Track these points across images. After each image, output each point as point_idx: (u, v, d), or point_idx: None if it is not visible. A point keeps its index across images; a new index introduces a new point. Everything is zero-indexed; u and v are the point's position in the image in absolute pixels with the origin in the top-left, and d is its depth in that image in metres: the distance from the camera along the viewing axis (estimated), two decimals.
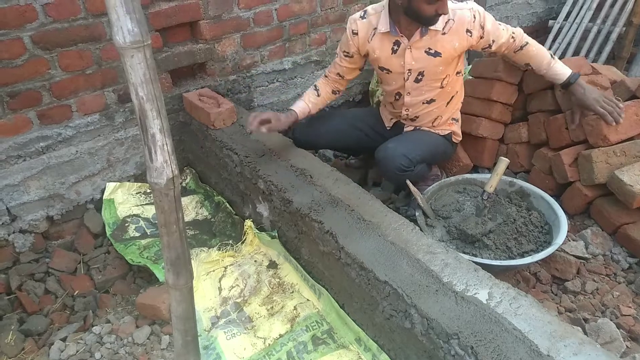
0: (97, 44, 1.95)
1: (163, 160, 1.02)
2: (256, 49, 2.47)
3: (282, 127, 1.94)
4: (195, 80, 2.35)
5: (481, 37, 1.90)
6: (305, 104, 2.04)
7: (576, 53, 3.83)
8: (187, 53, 2.22)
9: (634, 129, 2.04)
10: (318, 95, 2.08)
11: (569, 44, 3.87)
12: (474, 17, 1.86)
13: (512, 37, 1.95)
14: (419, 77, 1.96)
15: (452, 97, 2.08)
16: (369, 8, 1.97)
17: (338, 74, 2.09)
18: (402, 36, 1.89)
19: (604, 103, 1.94)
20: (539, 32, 4.25)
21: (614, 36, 3.69)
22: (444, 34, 1.87)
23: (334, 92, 2.12)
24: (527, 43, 1.98)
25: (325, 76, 2.12)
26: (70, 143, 2.00)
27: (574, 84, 1.99)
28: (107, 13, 0.89)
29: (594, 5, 3.81)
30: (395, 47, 1.92)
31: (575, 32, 3.86)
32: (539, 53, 2.00)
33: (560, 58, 3.78)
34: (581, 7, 3.89)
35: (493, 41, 1.93)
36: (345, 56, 2.04)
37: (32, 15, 1.77)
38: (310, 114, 2.07)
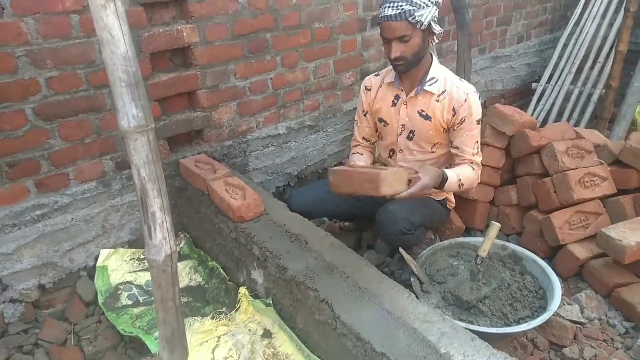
0: (97, 114, 2.00)
1: (162, 237, 1.04)
2: (252, 115, 2.55)
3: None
4: (192, 146, 2.40)
5: (453, 127, 1.93)
6: (364, 163, 2.11)
7: (560, 114, 3.98)
8: (185, 121, 2.29)
9: None
10: (362, 155, 2.18)
11: (552, 105, 4.03)
12: (464, 101, 1.88)
13: (470, 165, 1.94)
14: (411, 135, 2.02)
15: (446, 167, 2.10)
16: (383, 70, 2.11)
17: (364, 137, 2.19)
18: (402, 90, 1.98)
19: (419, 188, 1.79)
20: (523, 94, 4.44)
21: (594, 98, 3.86)
22: (437, 100, 1.92)
23: (371, 152, 2.23)
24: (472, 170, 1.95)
25: (356, 146, 2.22)
26: (66, 210, 2.01)
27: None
28: (109, 86, 0.93)
29: (574, 69, 4.01)
30: (395, 100, 2.01)
31: (558, 94, 4.03)
32: (467, 175, 1.93)
33: (544, 119, 3.97)
34: (562, 70, 4.08)
35: (456, 146, 1.95)
36: (365, 115, 2.15)
37: (35, 88, 1.83)
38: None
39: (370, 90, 2.08)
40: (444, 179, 1.84)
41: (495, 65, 4.04)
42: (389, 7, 1.74)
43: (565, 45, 4.13)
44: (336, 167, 1.81)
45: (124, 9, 0.87)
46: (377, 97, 2.06)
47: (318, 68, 2.75)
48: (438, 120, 1.94)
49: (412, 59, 1.83)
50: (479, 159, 1.96)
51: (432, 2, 1.75)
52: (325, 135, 2.96)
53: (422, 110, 1.95)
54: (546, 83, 4.12)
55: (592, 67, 3.95)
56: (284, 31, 2.51)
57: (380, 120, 2.08)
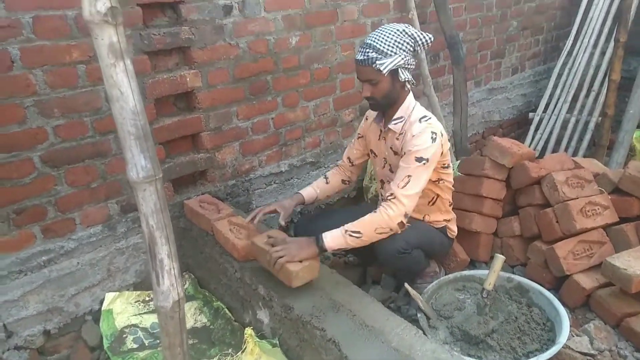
0: (103, 159, 2.04)
1: (170, 284, 1.06)
2: (254, 154, 2.59)
3: (288, 211, 2.08)
4: (196, 186, 2.44)
5: (402, 154, 1.92)
6: (312, 189, 2.20)
7: (558, 142, 4.03)
8: (189, 162, 2.33)
9: None
10: (327, 183, 2.24)
11: (550, 133, 4.08)
12: (411, 137, 1.87)
13: (391, 199, 1.82)
14: (391, 168, 2.10)
15: (434, 198, 2.12)
16: None
17: (348, 157, 2.27)
18: (382, 125, 2.07)
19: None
20: (520, 124, 4.50)
21: (591, 125, 3.90)
22: (397, 139, 2.00)
23: (344, 181, 2.28)
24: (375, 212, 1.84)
25: (337, 166, 2.30)
26: (72, 255, 2.03)
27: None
28: (115, 132, 0.97)
29: (569, 98, 4.07)
30: (380, 134, 2.11)
31: (555, 123, 4.08)
32: (364, 221, 1.83)
33: (543, 148, 4.01)
34: (558, 99, 4.15)
35: (399, 162, 1.91)
36: (358, 137, 2.24)
37: (42, 137, 1.87)
38: (317, 199, 2.21)
39: (367, 119, 2.20)
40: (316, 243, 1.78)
41: (492, 97, 4.11)
42: (359, 51, 1.87)
43: (559, 75, 4.21)
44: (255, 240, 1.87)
45: (132, 67, 0.92)
46: (370, 129, 2.17)
47: (318, 106, 2.81)
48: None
49: (381, 100, 1.93)
50: (402, 193, 1.80)
51: (402, 50, 1.83)
52: (327, 171, 2.99)
53: (392, 146, 2.05)
54: (543, 112, 4.18)
55: (587, 96, 4.01)
56: (284, 73, 2.58)
57: (371, 151, 2.19)
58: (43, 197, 1.93)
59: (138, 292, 2.25)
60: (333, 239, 1.81)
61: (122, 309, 2.18)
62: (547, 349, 1.74)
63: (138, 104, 0.93)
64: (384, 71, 1.82)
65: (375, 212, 1.84)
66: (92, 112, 1.97)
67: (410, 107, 1.99)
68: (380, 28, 1.89)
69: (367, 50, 1.83)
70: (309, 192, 2.19)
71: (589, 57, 4.09)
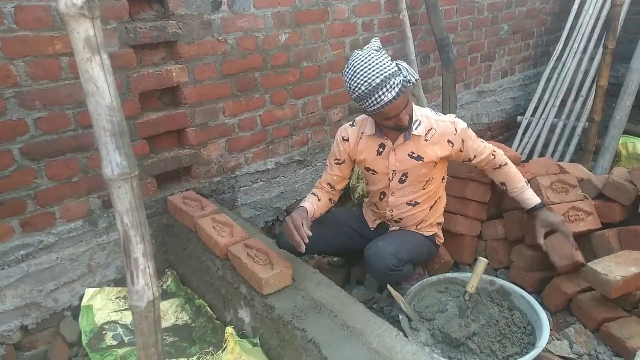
0: (85, 153, 2.02)
1: (144, 283, 1.04)
2: (240, 151, 2.57)
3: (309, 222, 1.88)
4: (180, 182, 2.41)
5: (461, 151, 2.00)
6: (311, 205, 2.02)
7: (545, 146, 4.05)
8: (173, 158, 2.30)
9: None
10: (319, 200, 2.09)
11: (538, 137, 4.11)
12: (455, 130, 1.96)
13: (493, 155, 2.07)
14: (403, 178, 2.03)
15: (435, 201, 2.14)
16: (357, 118, 2.07)
17: (329, 184, 2.11)
18: (386, 139, 1.97)
19: (567, 225, 2.08)
20: (509, 126, 4.52)
21: (578, 130, 3.94)
22: (426, 140, 1.95)
23: (330, 200, 2.14)
24: (506, 163, 2.12)
25: (318, 187, 2.15)
26: (51, 250, 2.00)
27: (540, 209, 2.11)
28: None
29: (558, 103, 4.10)
30: (381, 149, 2.00)
31: (543, 127, 4.11)
32: (515, 176, 2.13)
33: (530, 151, 4.03)
34: (546, 103, 4.18)
35: (474, 156, 2.04)
36: (337, 164, 2.08)
37: (23, 129, 1.84)
38: (314, 216, 2.03)
39: (348, 140, 2.04)
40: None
41: (481, 99, 4.12)
42: (385, 91, 1.70)
43: (548, 79, 4.24)
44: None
45: (109, 61, 0.90)
46: (359, 149, 2.03)
47: (306, 105, 2.80)
48: (430, 157, 1.97)
49: (410, 117, 1.88)
50: (491, 147, 2.08)
51: (392, 61, 1.76)
52: (314, 169, 2.98)
53: (413, 152, 1.97)
54: (531, 116, 4.21)
55: (575, 100, 4.05)
56: (272, 70, 2.56)
57: (368, 169, 2.07)
58: (22, 191, 1.89)
59: (119, 289, 2.23)
60: (533, 194, 2.13)
61: (102, 305, 2.15)
62: (527, 353, 1.75)
63: (114, 100, 0.91)
64: (413, 80, 1.76)
65: (504, 167, 2.11)
66: (74, 105, 1.94)
67: (417, 107, 1.99)
68: (361, 67, 1.72)
69: (388, 82, 1.69)
70: (309, 207, 2.00)
71: (578, 63, 4.12)
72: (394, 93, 1.70)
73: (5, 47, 1.73)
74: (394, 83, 1.70)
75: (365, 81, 1.70)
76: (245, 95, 2.49)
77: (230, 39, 2.34)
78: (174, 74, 2.17)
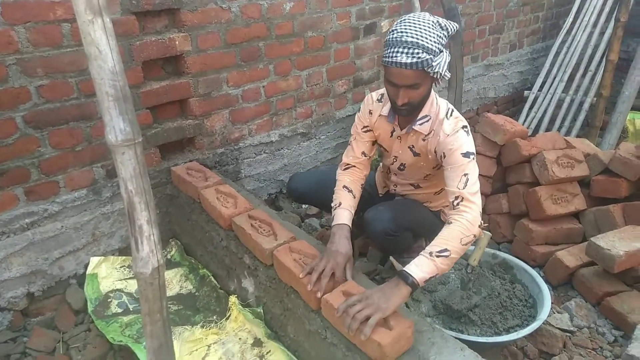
0: (88, 122, 2.00)
1: (149, 250, 1.04)
2: (244, 123, 2.55)
3: (345, 260, 1.68)
4: (184, 153, 2.40)
5: (442, 158, 1.77)
6: (348, 212, 1.87)
7: (552, 121, 4.01)
8: (177, 129, 2.29)
9: None
10: (354, 197, 1.94)
11: (544, 112, 4.06)
12: (446, 136, 1.74)
13: (450, 191, 1.66)
14: (402, 167, 2.01)
15: (442, 189, 2.05)
16: (384, 95, 1.93)
17: (363, 152, 1.99)
18: (397, 124, 1.91)
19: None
20: (515, 101, 4.47)
21: (586, 106, 3.89)
22: (424, 140, 1.85)
23: (362, 184, 2.01)
24: (459, 221, 1.58)
25: (346, 169, 1.99)
26: (56, 218, 2.01)
27: (400, 280, 1.49)
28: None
29: (566, 77, 4.04)
30: (392, 132, 1.94)
31: (550, 102, 4.06)
32: (447, 236, 1.57)
33: (537, 126, 3.99)
34: (554, 78, 4.11)
35: (443, 165, 1.76)
36: (366, 131, 1.99)
37: (25, 97, 1.82)
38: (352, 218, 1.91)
39: (372, 114, 1.95)
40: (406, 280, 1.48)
41: (488, 73, 4.06)
42: (402, 53, 1.55)
43: (557, 54, 4.16)
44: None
45: (112, 25, 0.87)
46: (377, 125, 1.95)
47: (311, 76, 2.76)
48: (425, 155, 1.89)
49: (418, 105, 1.72)
50: (467, 192, 1.62)
51: (443, 45, 1.61)
52: (318, 142, 2.97)
53: (412, 147, 1.91)
54: (538, 91, 4.15)
55: (583, 75, 3.98)
56: (277, 40, 2.52)
57: (381, 145, 2.03)
58: (26, 159, 1.89)
59: (123, 257, 2.25)
60: (421, 268, 1.49)
61: (107, 274, 2.17)
62: (527, 325, 1.76)
63: (117, 64, 0.89)
64: (443, 73, 1.58)
65: (450, 223, 1.60)
66: (77, 72, 1.91)
67: (435, 102, 1.82)
68: (412, 21, 1.59)
69: (416, 50, 1.53)
70: (347, 216, 1.84)
71: (588, 37, 4.04)
72: (410, 61, 1.55)
73: (6, 13, 1.70)
74: (417, 54, 1.55)
75: (402, 31, 1.58)
76: (249, 65, 2.45)
77: (234, 6, 2.30)
78: (177, 43, 2.14)
